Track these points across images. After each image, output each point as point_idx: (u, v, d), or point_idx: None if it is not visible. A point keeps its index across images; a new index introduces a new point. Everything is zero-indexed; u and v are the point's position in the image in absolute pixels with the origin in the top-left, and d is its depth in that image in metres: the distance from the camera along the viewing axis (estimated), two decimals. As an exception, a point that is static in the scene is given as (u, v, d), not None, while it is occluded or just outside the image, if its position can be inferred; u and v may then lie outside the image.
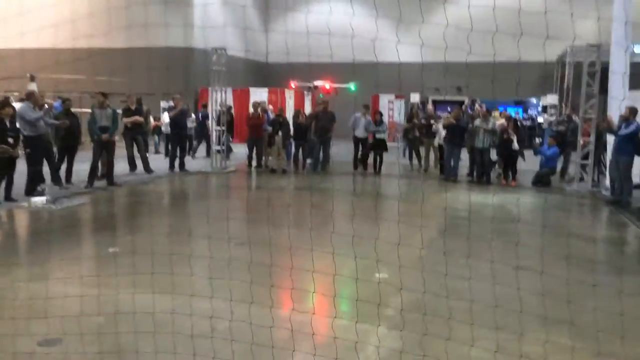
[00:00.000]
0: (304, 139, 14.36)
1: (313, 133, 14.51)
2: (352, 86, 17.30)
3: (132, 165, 13.24)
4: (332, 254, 5.12)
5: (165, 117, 16.35)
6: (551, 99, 23.78)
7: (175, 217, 8.91)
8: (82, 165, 11.04)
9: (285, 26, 30.89)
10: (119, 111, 12.36)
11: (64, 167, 10.96)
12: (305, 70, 29.64)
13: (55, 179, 10.65)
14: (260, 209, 9.64)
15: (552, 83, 26.35)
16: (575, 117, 13.76)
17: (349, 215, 9.33)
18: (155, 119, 18.47)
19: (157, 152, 17.35)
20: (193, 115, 16.81)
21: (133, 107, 13.19)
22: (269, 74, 30.73)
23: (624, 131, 9.73)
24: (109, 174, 11.13)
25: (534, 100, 25.53)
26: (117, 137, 11.42)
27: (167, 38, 24.77)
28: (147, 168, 13.18)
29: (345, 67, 29.61)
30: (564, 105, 23.27)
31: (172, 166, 13.58)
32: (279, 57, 31.02)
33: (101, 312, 4.86)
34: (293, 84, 16.02)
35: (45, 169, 10.66)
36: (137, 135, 13.08)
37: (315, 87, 15.86)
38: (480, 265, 6.07)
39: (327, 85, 16.16)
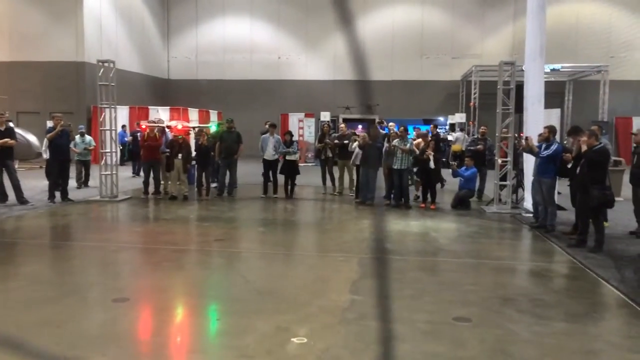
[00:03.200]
0: (207, 162, 13.01)
1: (217, 155, 13.20)
2: (213, 126, 16.31)
3: (2, 196, 11.33)
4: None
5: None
6: (459, 117, 23.92)
7: (37, 265, 7.28)
8: None
9: (186, 42, 29.40)
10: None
11: None
12: (210, 88, 28.32)
13: None
14: (152, 248, 8.22)
15: (458, 102, 26.71)
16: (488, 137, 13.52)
17: (258, 254, 8.15)
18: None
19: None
20: (88, 137, 14.88)
21: (2, 128, 11.26)
22: (171, 91, 28.97)
23: (545, 152, 9.27)
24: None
25: (441, 119, 25.62)
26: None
27: (55, 52, 22.51)
28: (20, 198, 11.30)
29: (252, 84, 28.61)
30: (471, 124, 23.49)
31: (52, 195, 11.74)
32: (182, 74, 29.41)
33: None
34: (143, 125, 14.72)
35: None
36: (7, 160, 11.19)
37: (169, 127, 14.63)
38: (415, 316, 5.07)
39: (180, 125, 15.01)
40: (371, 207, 11.67)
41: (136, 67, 26.31)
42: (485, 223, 10.28)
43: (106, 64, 12.48)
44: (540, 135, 9.83)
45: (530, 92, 11.40)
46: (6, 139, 11.12)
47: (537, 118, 11.16)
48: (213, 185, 13.56)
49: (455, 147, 20.35)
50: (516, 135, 11.68)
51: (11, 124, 11.98)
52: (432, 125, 18.67)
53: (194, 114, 22.51)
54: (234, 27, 28.91)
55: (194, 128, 15.50)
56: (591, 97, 24.97)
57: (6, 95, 21.32)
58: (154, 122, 15.00)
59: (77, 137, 14.29)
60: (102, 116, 12.69)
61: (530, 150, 9.77)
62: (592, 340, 4.70)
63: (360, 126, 22.82)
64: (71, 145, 13.05)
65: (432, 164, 11.57)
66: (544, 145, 9.42)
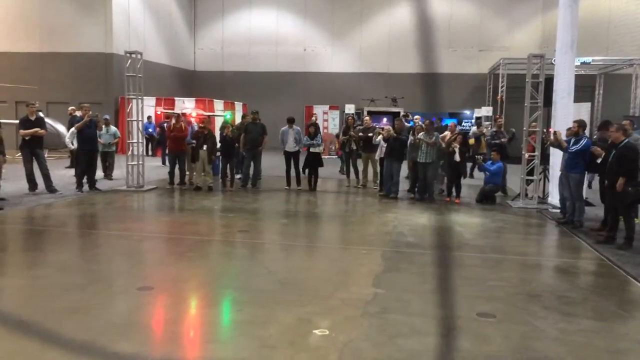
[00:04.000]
0: (232, 153, 13.08)
1: (242, 146, 13.27)
2: (227, 115, 16.44)
3: (32, 184, 11.54)
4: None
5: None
6: (485, 111, 23.58)
7: (65, 253, 7.42)
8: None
9: (212, 33, 29.53)
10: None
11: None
12: (236, 79, 28.43)
13: None
14: (176, 238, 8.30)
15: (485, 95, 26.34)
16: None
17: (281, 245, 8.17)
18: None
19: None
20: (113, 128, 14.57)
21: (33, 117, 11.47)
22: (196, 83, 29.17)
23: (574, 147, 9.08)
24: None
25: (467, 112, 25.31)
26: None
27: (84, 43, 22.84)
28: (49, 187, 11.52)
29: (278, 76, 28.64)
30: (498, 117, 23.10)
31: (79, 185, 11.94)
32: (208, 66, 29.56)
33: None
34: (159, 111, 14.56)
35: None
36: (37, 150, 11.42)
37: (183, 114, 14.67)
38: (438, 311, 5.01)
39: (194, 113, 15.10)
40: (395, 200, 11.61)
41: (163, 59, 26.54)
42: (510, 218, 10.15)
43: (134, 56, 12.62)
44: (568, 129, 9.64)
45: (560, 85, 11.18)
46: (36, 129, 11.34)
47: (567, 112, 10.94)
48: (237, 176, 13.64)
49: (469, 142, 19.91)
50: (544, 130, 11.48)
51: (41, 114, 12.18)
52: (436, 118, 17.99)
53: (219, 105, 22.62)
54: (260, 19, 28.92)
55: (208, 117, 15.62)
56: (623, 91, 24.36)
57: (36, 86, 21.72)
58: (178, 113, 15.08)
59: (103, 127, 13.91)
60: (130, 107, 12.83)
61: (559, 145, 9.59)
62: (620, 339, 4.60)
63: (385, 119, 22.68)
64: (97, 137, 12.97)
65: (457, 157, 11.44)
66: (572, 140, 9.25)
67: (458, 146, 11.38)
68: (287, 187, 13.10)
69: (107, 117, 14.74)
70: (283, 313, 4.91)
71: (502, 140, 12.99)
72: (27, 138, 11.30)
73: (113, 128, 14.53)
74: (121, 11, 23.39)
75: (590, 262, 7.26)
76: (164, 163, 17.19)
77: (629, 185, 7.52)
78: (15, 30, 23.24)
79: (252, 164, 13.31)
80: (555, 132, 9.86)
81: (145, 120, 19.14)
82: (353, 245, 7.97)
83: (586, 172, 9.26)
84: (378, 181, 12.97)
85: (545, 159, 11.59)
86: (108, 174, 14.21)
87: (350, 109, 23.33)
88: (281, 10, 28.68)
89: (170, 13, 27.64)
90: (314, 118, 14.82)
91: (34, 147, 11.38)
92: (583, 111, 12.21)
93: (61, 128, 18.15)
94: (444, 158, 11.74)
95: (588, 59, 22.56)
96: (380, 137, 12.22)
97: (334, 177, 15.42)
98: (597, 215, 9.62)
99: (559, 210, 10.17)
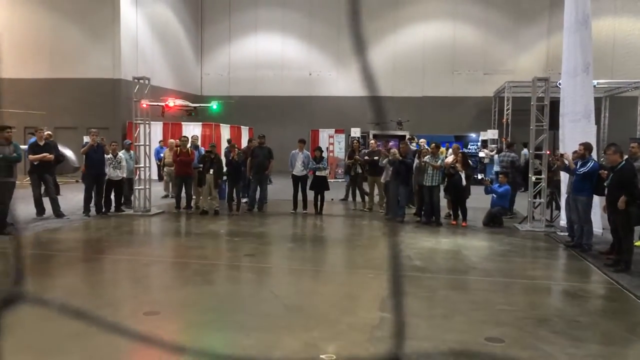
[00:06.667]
0: (239, 177, 13.13)
1: (249, 170, 13.32)
2: (214, 105, 16.05)
3: (40, 209, 11.60)
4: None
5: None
6: (491, 134, 23.60)
7: (72, 277, 7.43)
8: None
9: (219, 59, 29.87)
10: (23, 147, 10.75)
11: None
12: (242, 104, 28.64)
13: None
14: (182, 262, 8.29)
15: (490, 118, 26.38)
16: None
17: (287, 270, 8.15)
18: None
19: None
20: (132, 153, 13.17)
21: (42, 143, 11.59)
22: (203, 107, 29.38)
23: (582, 169, 9.07)
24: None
25: (473, 135, 25.35)
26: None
27: (93, 69, 23.14)
28: (57, 212, 11.57)
29: (283, 100, 28.83)
30: (503, 140, 23.14)
31: (87, 209, 11.98)
32: (215, 90, 29.84)
33: None
34: (145, 104, 13.43)
35: None
36: (46, 175, 11.50)
37: (166, 105, 14.54)
38: (446, 336, 4.98)
39: (172, 103, 14.86)
40: (401, 224, 11.58)
41: (170, 84, 26.81)
42: (518, 241, 10.08)
43: (141, 81, 12.76)
44: (575, 152, 9.65)
45: (569, 108, 11.17)
46: (45, 154, 11.45)
47: (584, 134, 10.84)
48: (244, 200, 13.67)
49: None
50: (554, 152, 11.48)
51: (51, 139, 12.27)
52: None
53: (225, 129, 22.78)
54: (265, 44, 29.27)
55: (195, 108, 15.47)
56: (628, 114, 24.39)
57: (45, 112, 21.96)
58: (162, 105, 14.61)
59: (122, 152, 12.76)
60: (137, 132, 12.94)
61: (566, 168, 9.59)
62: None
63: (378, 142, 22.65)
64: (108, 162, 12.13)
65: (463, 181, 11.42)
66: (579, 163, 9.24)
67: (462, 171, 11.35)
68: (293, 211, 13.10)
69: (130, 142, 13.46)
70: (289, 338, 4.88)
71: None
72: (35, 163, 11.41)
73: (132, 153, 13.09)
74: (129, 37, 23.73)
75: (599, 285, 7.19)
76: None
77: (632, 206, 7.51)
78: (24, 57, 23.58)
79: (258, 187, 13.34)
80: (562, 155, 9.88)
81: (157, 145, 19.13)
82: (359, 269, 7.93)
83: (594, 196, 9.20)
84: (384, 204, 12.96)
85: (552, 182, 11.56)
86: (125, 202, 13.02)
87: (356, 132, 23.43)
88: (286, 35, 29.03)
89: (178, 39, 28.02)
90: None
91: (42, 172, 11.47)
92: (589, 134, 12.19)
93: (69, 153, 18.30)
94: (448, 181, 11.71)
95: (593, 82, 22.62)
96: (386, 159, 12.22)
97: (340, 201, 15.41)
98: (606, 238, 9.55)
99: (567, 234, 10.11)
